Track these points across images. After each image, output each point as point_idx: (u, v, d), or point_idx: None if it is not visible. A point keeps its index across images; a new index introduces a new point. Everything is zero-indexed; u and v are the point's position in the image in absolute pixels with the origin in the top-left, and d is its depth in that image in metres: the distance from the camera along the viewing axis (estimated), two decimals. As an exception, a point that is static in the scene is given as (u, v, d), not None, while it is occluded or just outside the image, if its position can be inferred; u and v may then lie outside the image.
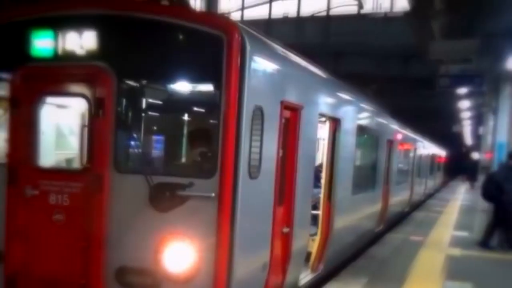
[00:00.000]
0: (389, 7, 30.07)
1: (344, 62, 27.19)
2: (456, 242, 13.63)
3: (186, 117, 6.98)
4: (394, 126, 16.05)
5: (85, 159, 5.61)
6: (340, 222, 8.94)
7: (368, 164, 12.73)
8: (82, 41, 5.53)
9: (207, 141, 5.62)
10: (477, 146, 32.38)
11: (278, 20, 31.46)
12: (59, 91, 5.93)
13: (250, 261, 5.66)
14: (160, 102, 6.25)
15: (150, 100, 6.14)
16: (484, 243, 12.91)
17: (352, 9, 27.67)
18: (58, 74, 5.71)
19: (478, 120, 30.43)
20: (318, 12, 29.24)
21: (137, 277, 5.31)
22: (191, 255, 5.12)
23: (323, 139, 9.14)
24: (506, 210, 12.42)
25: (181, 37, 5.40)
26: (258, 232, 5.88)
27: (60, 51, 5.61)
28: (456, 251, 12.43)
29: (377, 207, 13.60)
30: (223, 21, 5.51)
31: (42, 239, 5.67)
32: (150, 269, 5.24)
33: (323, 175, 8.48)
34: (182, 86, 5.78)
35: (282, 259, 6.60)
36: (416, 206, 23.08)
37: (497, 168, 13.29)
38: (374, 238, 13.62)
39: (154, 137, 6.79)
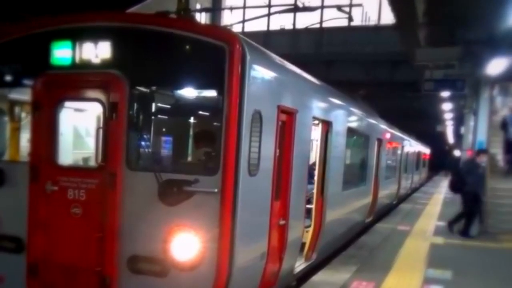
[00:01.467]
0: (376, 20, 30.26)
1: (335, 70, 27.19)
2: (440, 231, 13.64)
3: (191, 120, 7.01)
4: (383, 126, 16.05)
5: (100, 158, 5.65)
6: (332, 215, 8.98)
7: (358, 162, 12.75)
8: (97, 51, 5.56)
9: (210, 141, 5.64)
10: (458, 144, 32.42)
11: (276, 32, 31.58)
12: (77, 96, 5.97)
13: (249, 251, 5.70)
14: (168, 106, 6.28)
15: (159, 105, 6.16)
16: (464, 232, 13.00)
17: (343, 22, 27.69)
18: (75, 80, 5.74)
19: (460, 120, 30.41)
20: (311, 25, 29.28)
21: (147, 265, 5.35)
22: (196, 245, 5.15)
23: (316, 140, 9.16)
24: (466, 200, 12.84)
25: (187, 47, 5.39)
26: (257, 224, 5.91)
27: (77, 60, 5.64)
28: (440, 240, 12.45)
29: (367, 200, 13.63)
30: (226, 33, 5.53)
31: (61, 230, 5.72)
32: (159, 258, 5.27)
33: (316, 172, 8.51)
34: (188, 92, 5.80)
35: (279, 249, 6.63)
36: (403, 198, 23.09)
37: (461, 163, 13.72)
38: (365, 228, 13.67)
39: (163, 138, 6.80)
